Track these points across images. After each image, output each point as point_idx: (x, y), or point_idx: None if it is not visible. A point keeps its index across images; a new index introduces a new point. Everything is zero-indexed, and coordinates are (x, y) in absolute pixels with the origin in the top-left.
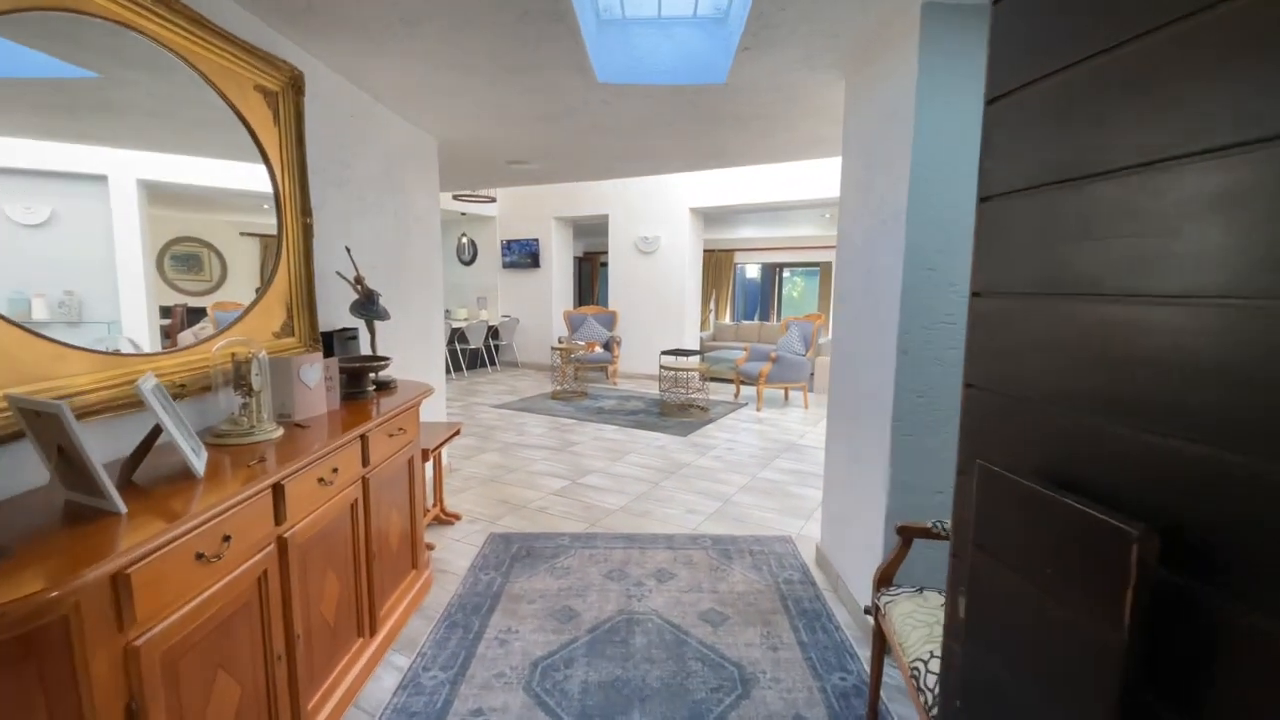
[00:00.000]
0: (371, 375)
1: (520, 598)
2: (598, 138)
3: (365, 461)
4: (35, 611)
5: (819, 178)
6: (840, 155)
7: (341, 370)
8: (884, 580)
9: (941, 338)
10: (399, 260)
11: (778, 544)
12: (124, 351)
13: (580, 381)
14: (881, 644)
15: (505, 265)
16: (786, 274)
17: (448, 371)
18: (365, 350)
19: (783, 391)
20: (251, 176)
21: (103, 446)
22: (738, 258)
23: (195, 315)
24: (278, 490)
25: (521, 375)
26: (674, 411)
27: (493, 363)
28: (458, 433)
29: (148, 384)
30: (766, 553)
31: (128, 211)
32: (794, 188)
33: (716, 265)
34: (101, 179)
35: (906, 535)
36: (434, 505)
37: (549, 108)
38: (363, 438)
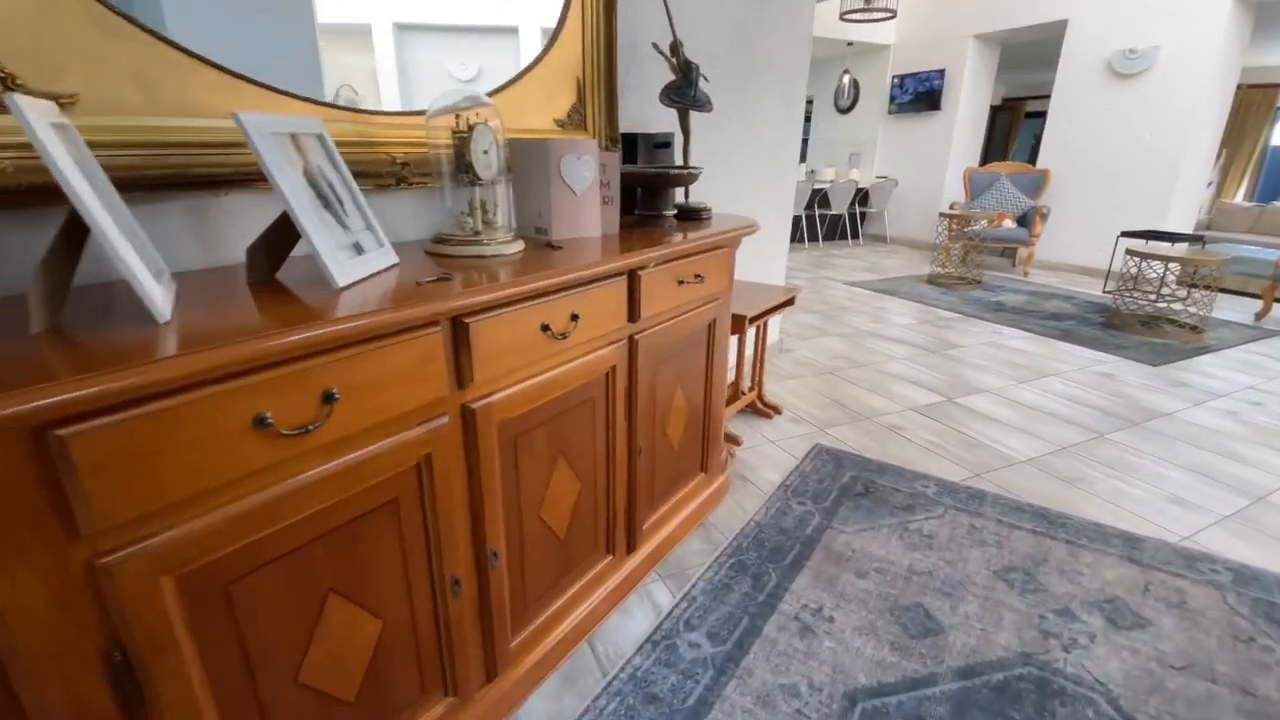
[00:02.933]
0: (674, 194)
1: (844, 560)
2: None
3: (633, 314)
4: None
5: None
6: None
7: (630, 181)
8: None
9: None
10: (745, 58)
11: None
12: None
13: (971, 266)
14: None
15: (892, 110)
16: None
17: (799, 239)
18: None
19: None
20: None
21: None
22: None
23: None
24: (458, 328)
25: (890, 252)
26: (1132, 325)
27: (855, 235)
28: (791, 301)
29: (261, 124)
30: None
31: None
32: None
33: (1239, 111)
34: (514, 31)
35: None
36: (751, 389)
37: None
38: (631, 275)
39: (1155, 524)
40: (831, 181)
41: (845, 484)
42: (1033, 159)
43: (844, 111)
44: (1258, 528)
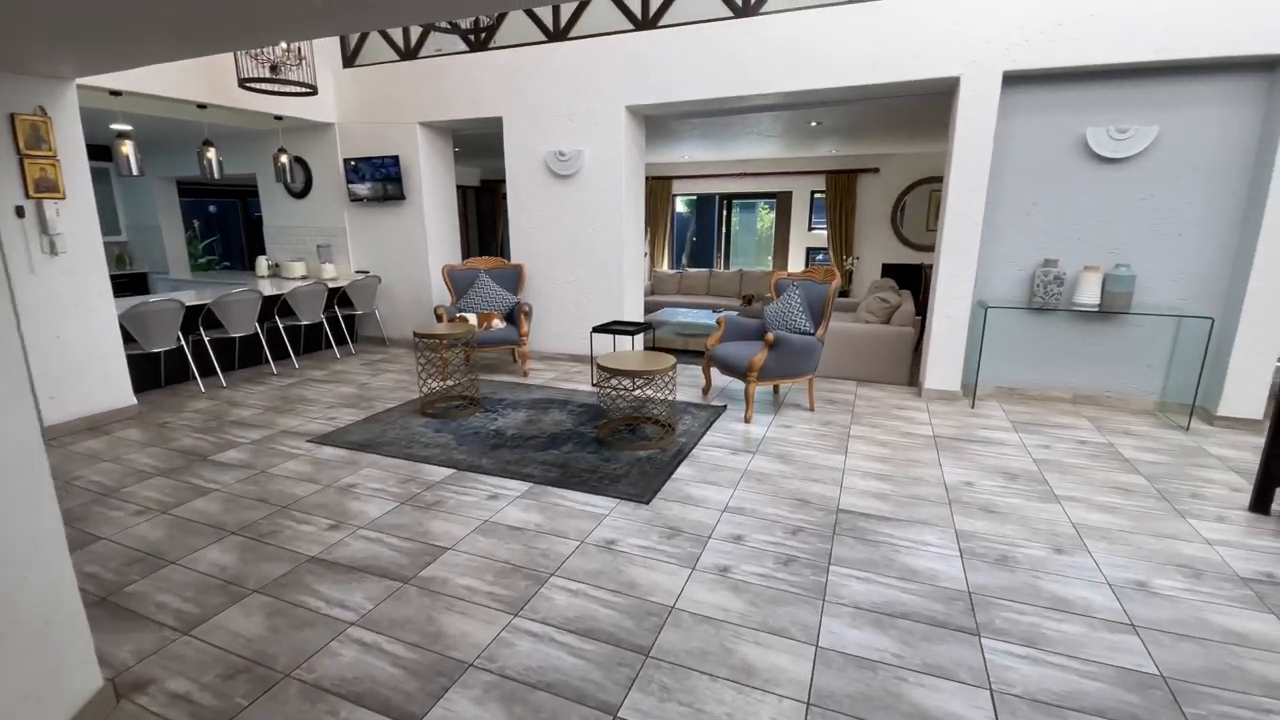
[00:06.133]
0: None
1: None
2: None
3: None
4: None
5: (827, 56)
6: None
7: None
8: None
9: None
10: None
11: None
12: None
13: (472, 374)
14: None
15: (355, 198)
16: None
17: (261, 361)
18: None
19: (772, 387)
20: None
21: None
22: (675, 187)
23: None
24: None
25: (388, 361)
26: (620, 436)
27: (343, 341)
28: None
29: None
30: None
31: None
32: (781, 73)
33: (651, 196)
34: None
35: None
36: None
37: None
38: None
39: None
40: (303, 280)
41: None
42: None
43: (298, 195)
44: None
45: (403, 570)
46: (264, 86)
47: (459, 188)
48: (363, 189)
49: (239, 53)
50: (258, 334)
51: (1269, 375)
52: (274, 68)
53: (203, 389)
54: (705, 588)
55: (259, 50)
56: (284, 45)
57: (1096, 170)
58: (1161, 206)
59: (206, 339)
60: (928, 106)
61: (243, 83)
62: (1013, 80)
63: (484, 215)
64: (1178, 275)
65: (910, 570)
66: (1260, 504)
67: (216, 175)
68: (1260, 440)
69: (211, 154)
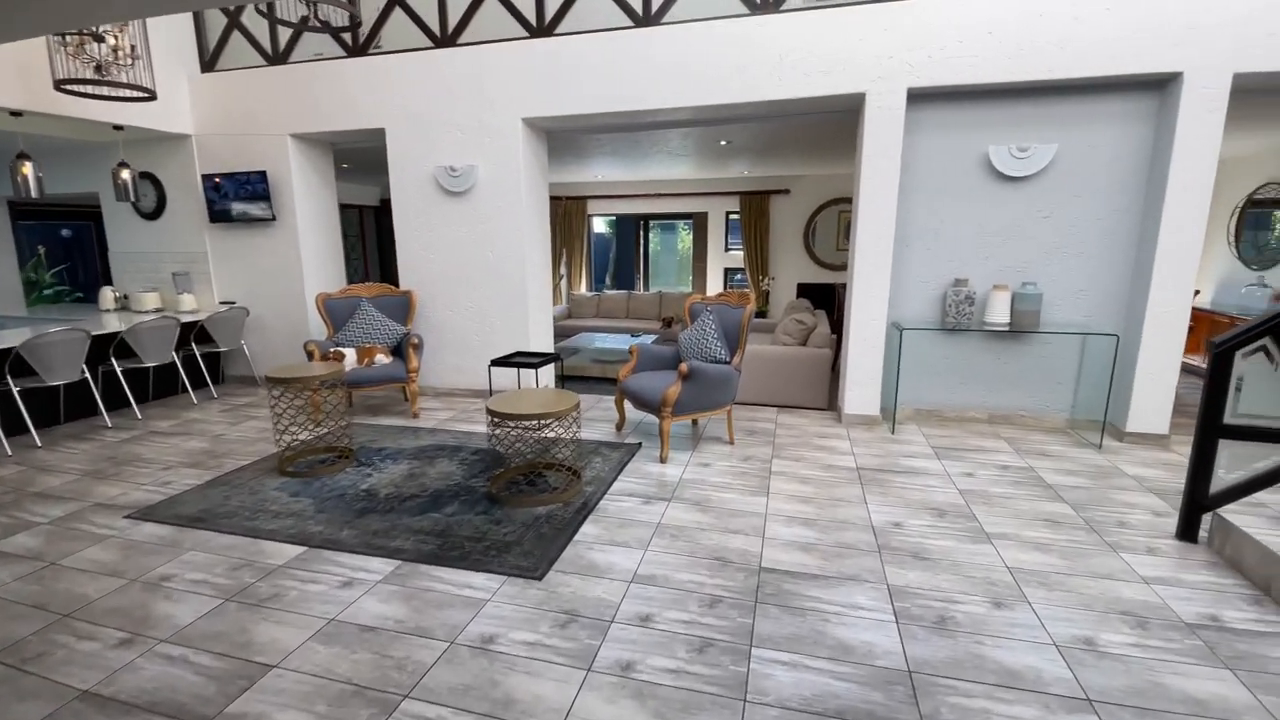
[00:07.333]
0: None
1: None
2: None
3: None
4: None
5: (733, 69)
6: None
7: None
8: None
9: None
10: None
11: None
12: None
13: (349, 418)
14: None
15: (217, 219)
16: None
17: (86, 413)
18: None
19: (690, 421)
20: None
21: None
22: (591, 208)
23: None
24: None
25: (254, 406)
26: (518, 490)
27: (205, 383)
28: None
29: None
30: None
31: None
32: (684, 87)
33: (566, 217)
34: None
35: None
36: None
37: None
38: None
39: None
40: (158, 313)
41: None
42: None
43: (149, 217)
44: None
45: (204, 705)
46: (87, 90)
47: (355, 208)
48: (225, 208)
49: (55, 51)
50: (88, 380)
51: (1172, 390)
52: (99, 68)
53: (9, 451)
54: (602, 697)
55: (79, 47)
56: (111, 41)
57: (1001, 189)
58: (1063, 224)
59: (15, 390)
60: (834, 127)
61: (59, 85)
62: (917, 98)
63: (385, 238)
64: (1082, 292)
65: (842, 646)
66: (1187, 532)
67: (35, 194)
68: (1168, 456)
69: (28, 169)
